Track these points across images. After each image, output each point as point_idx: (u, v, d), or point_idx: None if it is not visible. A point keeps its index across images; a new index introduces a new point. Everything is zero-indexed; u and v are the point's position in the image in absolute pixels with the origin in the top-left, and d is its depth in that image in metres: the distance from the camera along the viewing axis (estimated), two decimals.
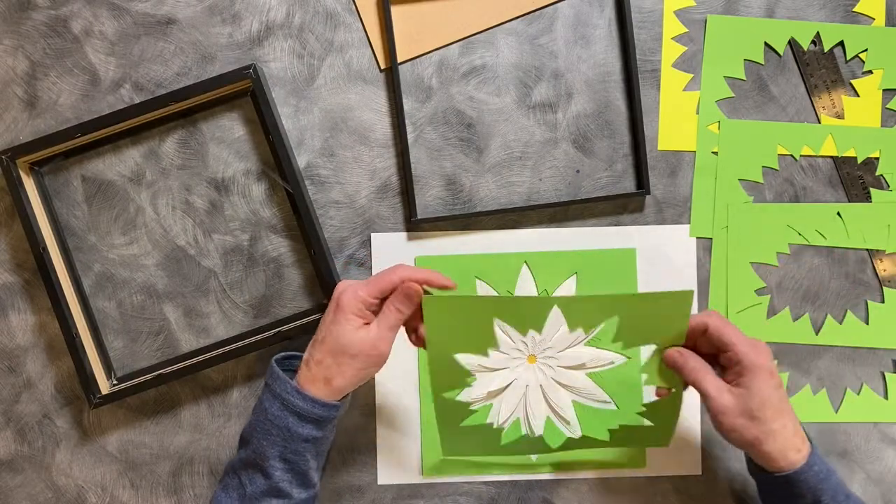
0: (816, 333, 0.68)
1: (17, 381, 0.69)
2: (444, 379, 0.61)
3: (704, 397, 0.56)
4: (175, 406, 0.69)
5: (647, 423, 0.63)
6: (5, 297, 0.69)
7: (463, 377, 0.62)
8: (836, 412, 0.68)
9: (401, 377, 0.68)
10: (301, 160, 0.68)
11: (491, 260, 0.68)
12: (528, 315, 0.60)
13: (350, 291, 0.57)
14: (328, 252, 0.67)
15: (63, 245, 0.68)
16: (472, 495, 0.69)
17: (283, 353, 0.61)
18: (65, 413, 0.69)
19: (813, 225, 0.68)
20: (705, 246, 0.68)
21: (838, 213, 0.68)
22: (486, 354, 0.62)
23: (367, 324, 0.57)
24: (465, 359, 0.61)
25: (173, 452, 0.69)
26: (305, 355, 0.58)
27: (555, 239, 0.68)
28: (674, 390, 0.61)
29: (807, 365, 0.68)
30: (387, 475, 0.69)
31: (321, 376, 0.56)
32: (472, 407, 0.68)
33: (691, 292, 0.57)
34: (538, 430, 0.68)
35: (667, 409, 0.62)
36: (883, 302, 0.68)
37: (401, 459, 0.69)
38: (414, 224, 0.68)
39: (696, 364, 0.57)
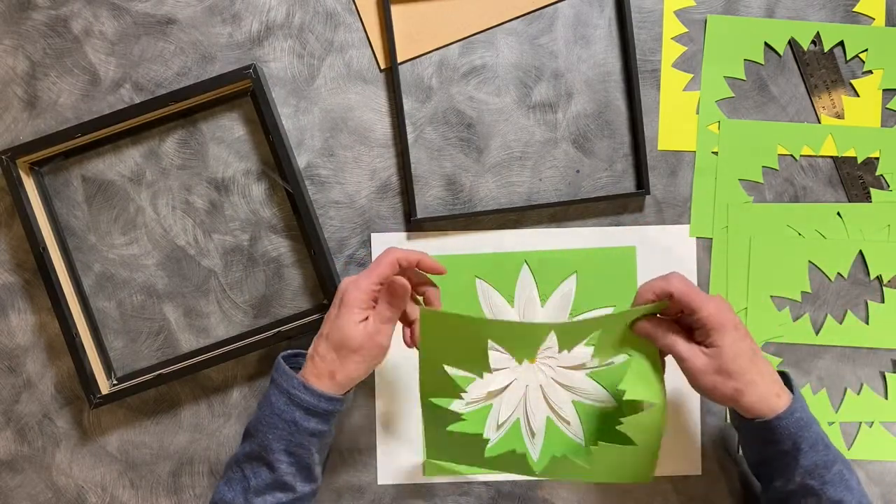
0: (816, 333, 0.68)
1: (17, 381, 0.69)
2: (435, 386, 0.60)
3: (679, 360, 0.57)
4: (175, 406, 0.69)
5: (628, 441, 0.60)
6: (5, 297, 0.69)
7: (453, 390, 0.60)
8: (836, 412, 0.68)
9: (401, 377, 0.68)
10: (301, 160, 0.68)
11: (491, 259, 0.68)
12: (522, 340, 0.60)
13: (352, 285, 0.58)
14: (328, 252, 0.67)
15: (63, 245, 0.68)
16: (472, 495, 0.69)
17: (289, 351, 0.62)
18: (65, 413, 0.69)
19: (813, 225, 0.68)
20: (705, 246, 0.68)
21: (838, 213, 0.68)
22: (478, 375, 0.61)
23: (367, 317, 0.58)
24: (457, 374, 0.60)
25: (173, 452, 0.69)
26: (310, 350, 0.59)
27: (555, 239, 0.68)
28: (656, 403, 0.59)
29: (807, 365, 0.68)
30: (387, 475, 0.69)
31: (326, 371, 0.57)
32: (467, 408, 0.68)
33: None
34: (538, 430, 0.68)
35: (649, 425, 0.60)
36: (883, 302, 0.68)
37: (401, 459, 0.69)
38: (414, 224, 0.68)
39: (667, 329, 0.58)
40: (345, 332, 0.57)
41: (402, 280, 0.58)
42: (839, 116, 0.68)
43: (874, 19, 0.68)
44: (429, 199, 0.68)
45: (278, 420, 0.57)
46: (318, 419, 0.57)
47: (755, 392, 0.55)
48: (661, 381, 0.60)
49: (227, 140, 0.68)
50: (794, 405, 0.56)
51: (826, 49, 0.68)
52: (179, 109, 0.67)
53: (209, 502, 0.60)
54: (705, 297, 0.57)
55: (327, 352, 0.57)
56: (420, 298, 0.63)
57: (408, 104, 0.68)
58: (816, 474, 0.55)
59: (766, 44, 0.68)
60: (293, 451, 0.57)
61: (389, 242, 0.68)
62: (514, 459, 0.63)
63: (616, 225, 0.68)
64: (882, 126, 0.68)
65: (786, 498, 0.57)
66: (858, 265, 0.68)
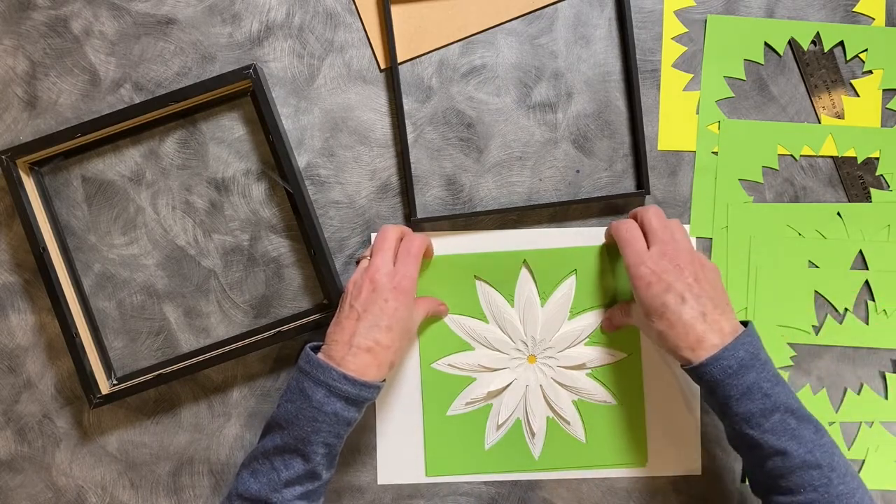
0: (816, 333, 0.68)
1: (17, 381, 0.69)
2: (434, 345, 0.66)
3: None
4: (175, 406, 0.69)
5: (608, 399, 0.67)
6: (5, 297, 0.69)
7: (453, 342, 0.67)
8: (836, 412, 0.68)
9: (401, 376, 0.68)
10: (301, 160, 0.68)
11: (491, 259, 0.68)
12: (502, 272, 0.67)
13: (400, 273, 0.60)
14: (328, 252, 0.67)
15: (63, 245, 0.68)
16: (472, 495, 0.69)
17: (314, 343, 0.61)
18: (65, 413, 0.69)
19: (813, 225, 0.68)
20: (705, 246, 0.68)
21: (838, 213, 0.68)
22: (472, 316, 0.68)
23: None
24: (454, 322, 0.67)
25: (173, 452, 0.69)
26: (365, 342, 0.58)
27: (555, 239, 0.68)
28: (630, 355, 0.67)
29: (807, 365, 0.68)
30: (387, 475, 0.69)
31: (388, 361, 0.59)
32: (467, 408, 0.68)
33: None
34: (538, 430, 0.68)
35: (627, 375, 0.67)
36: None
37: (401, 459, 0.69)
38: (414, 224, 0.68)
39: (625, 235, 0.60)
40: (411, 321, 0.61)
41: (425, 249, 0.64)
42: (839, 116, 0.68)
43: (874, 19, 0.68)
44: (429, 199, 0.68)
45: (318, 413, 0.56)
46: (357, 408, 0.58)
47: (674, 339, 0.55)
48: None
49: (227, 140, 0.68)
50: (726, 352, 0.53)
51: (826, 49, 0.68)
52: (179, 109, 0.67)
53: (230, 493, 0.59)
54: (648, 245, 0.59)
55: (393, 342, 0.58)
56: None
57: (408, 104, 0.68)
58: (754, 423, 0.53)
59: (766, 44, 0.68)
60: (330, 441, 0.57)
61: None
62: (515, 451, 0.67)
63: None
64: (882, 126, 0.68)
65: (745, 450, 0.56)
66: (858, 265, 0.68)
